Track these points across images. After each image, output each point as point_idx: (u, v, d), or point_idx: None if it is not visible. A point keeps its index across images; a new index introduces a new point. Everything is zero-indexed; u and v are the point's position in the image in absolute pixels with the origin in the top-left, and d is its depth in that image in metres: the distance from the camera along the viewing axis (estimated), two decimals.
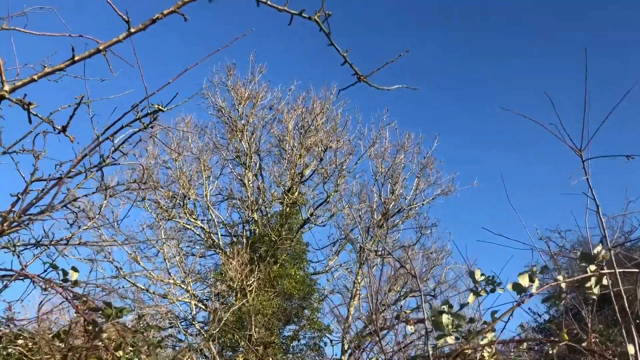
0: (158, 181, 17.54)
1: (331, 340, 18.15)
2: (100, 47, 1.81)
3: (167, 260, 17.18)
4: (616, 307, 2.92)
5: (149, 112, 2.45)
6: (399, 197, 19.13)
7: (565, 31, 34.67)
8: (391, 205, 18.97)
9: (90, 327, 2.60)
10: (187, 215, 17.99)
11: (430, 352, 3.90)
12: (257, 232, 18.60)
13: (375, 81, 2.23)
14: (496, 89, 34.72)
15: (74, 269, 2.63)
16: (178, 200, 17.60)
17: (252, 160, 18.94)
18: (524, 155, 33.88)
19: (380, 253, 16.74)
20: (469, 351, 3.64)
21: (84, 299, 3.02)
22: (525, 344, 4.00)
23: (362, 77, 2.07)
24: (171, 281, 17.06)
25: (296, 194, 18.94)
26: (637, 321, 2.80)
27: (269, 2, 1.84)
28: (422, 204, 19.10)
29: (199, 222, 18.28)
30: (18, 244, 2.68)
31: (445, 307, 3.84)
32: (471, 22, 36.47)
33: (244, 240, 18.21)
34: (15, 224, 2.71)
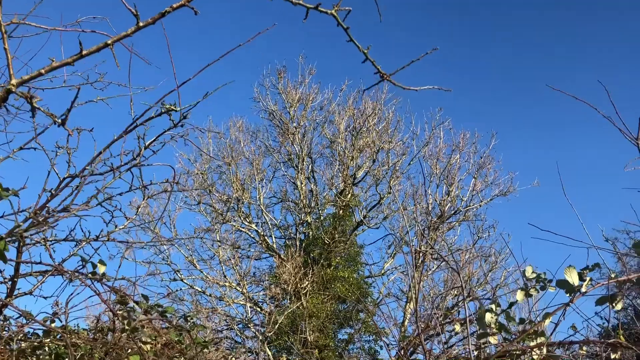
0: (213, 185, 17.89)
1: (387, 344, 17.89)
2: (109, 42, 1.79)
3: (222, 263, 17.47)
4: None
5: (169, 107, 2.43)
6: (455, 198, 18.65)
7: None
8: (447, 207, 18.52)
9: (120, 322, 2.61)
10: (242, 218, 18.23)
11: (475, 354, 3.71)
12: (310, 235, 18.62)
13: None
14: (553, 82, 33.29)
15: (101, 262, 2.64)
16: (232, 204, 17.86)
17: (304, 163, 18.99)
18: (585, 151, 32.35)
19: (435, 256, 16.37)
20: (517, 352, 3.43)
21: (118, 292, 3.03)
22: (585, 348, 3.74)
23: (385, 76, 1.97)
24: (227, 284, 17.33)
25: (349, 196, 18.83)
26: None
27: None
28: (480, 206, 18.54)
29: (253, 225, 18.49)
30: (50, 239, 2.71)
31: (494, 307, 3.64)
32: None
33: (298, 243, 18.26)
34: (49, 219, 2.75)
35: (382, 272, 18.75)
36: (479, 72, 34.98)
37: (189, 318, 4.68)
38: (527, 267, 3.55)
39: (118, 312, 2.70)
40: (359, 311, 17.76)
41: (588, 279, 2.92)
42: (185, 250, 17.56)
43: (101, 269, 2.62)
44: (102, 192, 2.98)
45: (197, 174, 18.10)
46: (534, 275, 3.46)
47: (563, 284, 2.99)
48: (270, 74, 19.96)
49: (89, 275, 2.63)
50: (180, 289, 17.40)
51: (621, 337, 4.26)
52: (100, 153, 2.54)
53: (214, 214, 18.18)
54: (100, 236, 3.16)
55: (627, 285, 3.22)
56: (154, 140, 2.77)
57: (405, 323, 16.53)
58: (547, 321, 3.05)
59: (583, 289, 2.92)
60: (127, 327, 3.13)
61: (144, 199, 3.58)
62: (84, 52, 1.86)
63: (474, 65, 34.64)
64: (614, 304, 3.05)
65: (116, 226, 3.32)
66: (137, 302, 3.48)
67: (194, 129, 3.21)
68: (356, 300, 17.33)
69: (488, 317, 2.98)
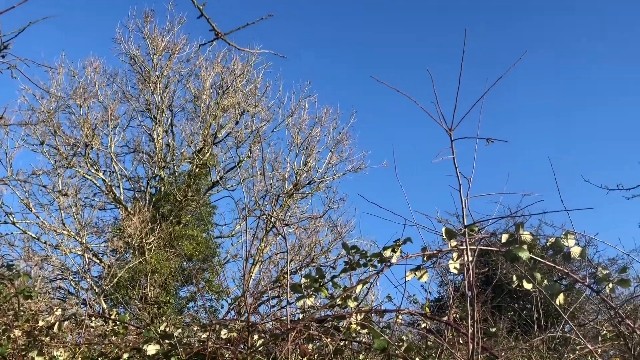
0: (59, 126, 16.54)
1: (229, 304, 18.11)
2: None
3: (62, 210, 16.36)
4: (466, 284, 3.01)
5: None
6: (311, 169, 19.23)
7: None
8: (303, 177, 19.04)
9: None
10: (89, 165, 17.13)
11: (301, 316, 3.92)
12: (162, 190, 18.07)
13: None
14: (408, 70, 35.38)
15: None
16: (80, 149, 16.69)
17: (164, 114, 18.27)
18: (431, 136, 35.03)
19: (286, 222, 16.79)
20: (337, 316, 3.68)
21: None
22: (400, 316, 4.10)
23: (220, 34, 1.97)
24: (65, 232, 16.29)
25: (207, 155, 18.52)
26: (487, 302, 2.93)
27: None
28: (333, 178, 19.31)
29: (100, 173, 17.47)
30: None
31: (318, 275, 3.87)
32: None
33: (148, 197, 17.65)
34: None
35: (232, 233, 18.86)
36: (350, 51, 35.99)
37: (13, 267, 4.38)
38: (347, 243, 3.80)
39: None
40: (204, 270, 17.74)
41: (398, 251, 3.21)
42: (21, 192, 16.16)
43: None
44: None
45: (42, 112, 16.60)
46: (355, 250, 3.71)
47: (377, 255, 3.26)
48: (136, 15, 18.78)
49: None
50: (12, 233, 16.07)
51: (427, 309, 4.76)
52: None
53: (58, 157, 16.88)
54: None
55: (436, 259, 3.59)
56: None
57: (247, 284, 16.85)
58: (360, 287, 3.32)
59: (393, 260, 3.22)
60: None
61: None
62: None
63: (345, 44, 35.58)
64: (418, 275, 3.39)
65: None
66: None
67: (24, 62, 2.96)
68: (202, 260, 17.29)
69: (303, 280, 3.18)
